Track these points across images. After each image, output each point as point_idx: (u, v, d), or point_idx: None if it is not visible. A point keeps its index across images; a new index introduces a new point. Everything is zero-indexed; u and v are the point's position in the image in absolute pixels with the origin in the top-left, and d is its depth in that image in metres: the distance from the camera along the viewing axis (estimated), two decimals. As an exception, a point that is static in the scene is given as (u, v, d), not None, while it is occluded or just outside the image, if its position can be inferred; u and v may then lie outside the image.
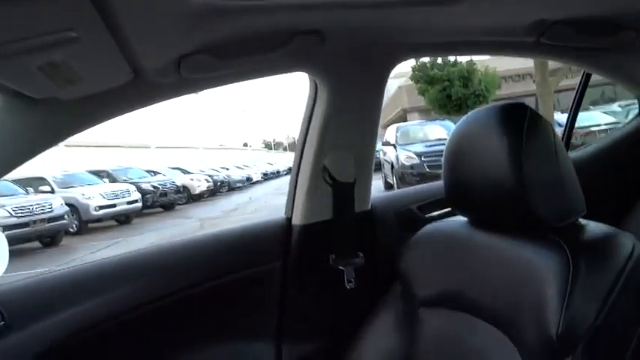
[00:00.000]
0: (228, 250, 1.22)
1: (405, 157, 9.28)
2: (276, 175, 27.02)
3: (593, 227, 0.87)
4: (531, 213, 0.85)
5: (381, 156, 10.08)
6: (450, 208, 1.37)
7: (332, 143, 1.20)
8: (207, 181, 16.70)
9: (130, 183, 12.39)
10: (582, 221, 0.89)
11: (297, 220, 1.24)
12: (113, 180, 12.80)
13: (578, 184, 0.89)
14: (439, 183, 1.45)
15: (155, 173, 14.95)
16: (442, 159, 0.99)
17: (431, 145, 9.23)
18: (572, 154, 1.53)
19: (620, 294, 0.76)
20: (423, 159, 8.95)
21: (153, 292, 1.11)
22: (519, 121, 0.85)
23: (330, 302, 1.23)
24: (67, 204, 9.58)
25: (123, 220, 11.36)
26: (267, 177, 26.55)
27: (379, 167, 10.20)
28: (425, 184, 1.48)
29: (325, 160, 1.20)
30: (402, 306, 1.09)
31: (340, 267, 1.21)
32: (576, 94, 1.63)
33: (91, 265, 1.15)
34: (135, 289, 1.10)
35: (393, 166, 9.57)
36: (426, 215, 1.36)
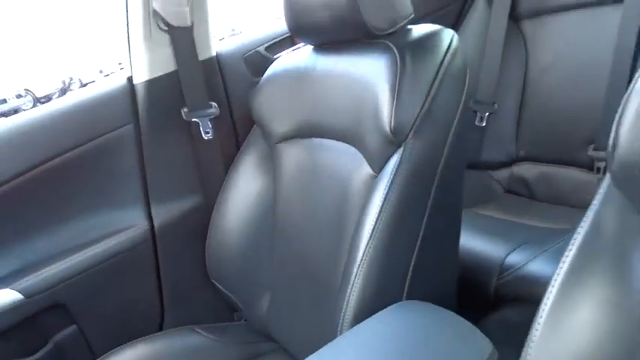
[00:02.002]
0: (73, 122, 1.11)
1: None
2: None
3: (419, 28, 0.92)
4: (364, 24, 0.88)
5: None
6: (297, 45, 1.37)
7: None
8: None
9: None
10: (411, 26, 0.94)
11: (138, 78, 1.16)
12: None
13: None
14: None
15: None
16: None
17: None
18: None
19: (441, 83, 0.84)
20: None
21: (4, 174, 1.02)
22: None
23: (192, 157, 1.21)
24: None
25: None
26: (124, 67, 24.26)
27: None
28: (270, 26, 1.42)
29: (155, 2, 1.10)
30: (263, 147, 1.11)
31: (194, 119, 1.18)
32: None
33: None
34: None
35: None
36: (275, 56, 1.34)
